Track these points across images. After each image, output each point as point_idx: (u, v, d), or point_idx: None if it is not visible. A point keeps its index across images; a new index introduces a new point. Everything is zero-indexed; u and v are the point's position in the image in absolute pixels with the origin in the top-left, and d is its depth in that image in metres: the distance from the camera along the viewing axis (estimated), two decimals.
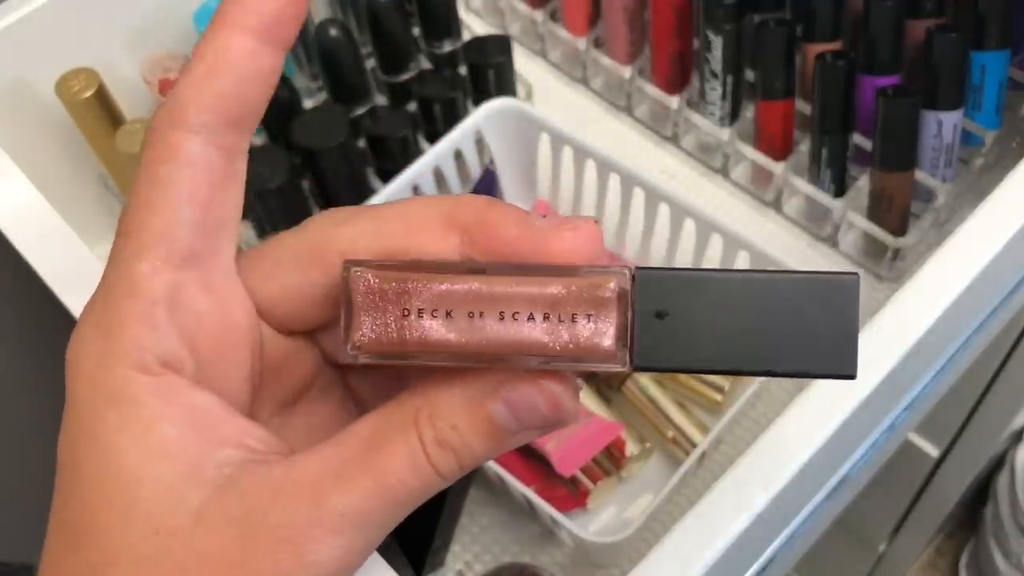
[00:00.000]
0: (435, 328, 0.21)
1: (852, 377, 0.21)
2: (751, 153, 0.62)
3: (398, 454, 0.21)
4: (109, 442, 0.21)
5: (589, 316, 0.21)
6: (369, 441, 0.22)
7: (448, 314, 0.21)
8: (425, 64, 0.63)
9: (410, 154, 0.59)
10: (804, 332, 0.21)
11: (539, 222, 0.22)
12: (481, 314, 0.21)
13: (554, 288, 0.21)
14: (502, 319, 0.21)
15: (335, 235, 0.23)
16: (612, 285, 0.21)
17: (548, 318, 0.21)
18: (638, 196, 0.56)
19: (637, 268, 0.21)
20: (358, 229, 0.23)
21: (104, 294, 0.22)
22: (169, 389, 0.22)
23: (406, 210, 0.23)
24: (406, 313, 0.21)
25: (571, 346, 0.21)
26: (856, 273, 0.21)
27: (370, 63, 0.63)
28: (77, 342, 0.22)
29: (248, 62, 0.22)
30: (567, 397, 0.22)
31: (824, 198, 0.59)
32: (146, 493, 0.21)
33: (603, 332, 0.21)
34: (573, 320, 0.21)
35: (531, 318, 0.21)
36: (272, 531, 0.21)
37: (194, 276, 0.23)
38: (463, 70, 0.63)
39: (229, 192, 0.23)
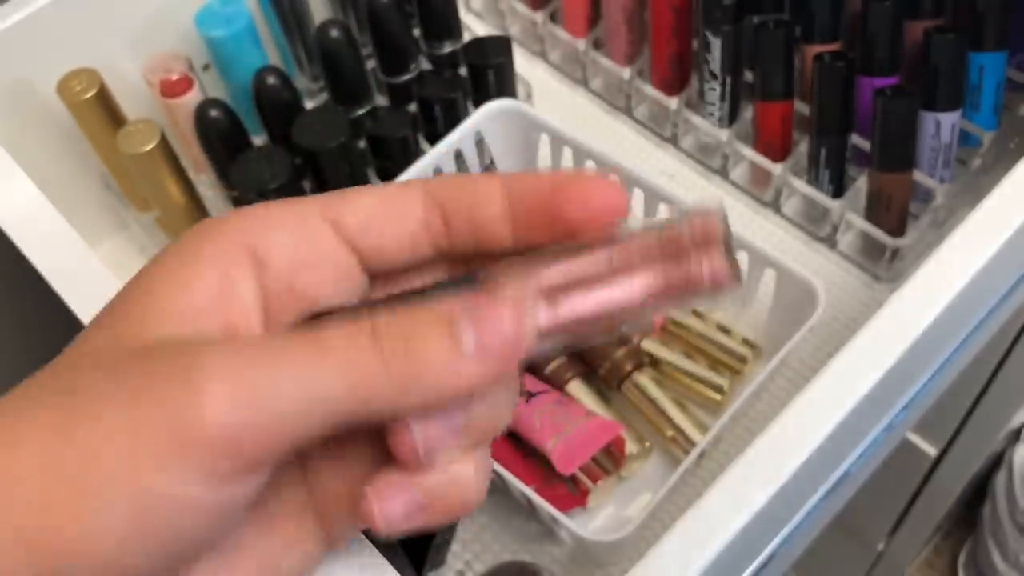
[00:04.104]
0: (579, 300, 0.23)
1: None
2: (750, 154, 0.62)
3: (342, 333, 0.22)
4: (150, 280, 0.23)
5: (701, 253, 0.23)
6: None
7: (586, 285, 0.23)
8: (425, 65, 0.64)
9: (410, 155, 0.59)
10: None
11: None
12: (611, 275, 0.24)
13: (656, 242, 0.23)
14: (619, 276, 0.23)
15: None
16: (717, 220, 0.23)
17: (664, 261, 0.23)
18: (637, 197, 0.56)
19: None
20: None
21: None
22: (231, 257, 0.24)
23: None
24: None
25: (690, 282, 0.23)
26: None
27: (370, 64, 0.64)
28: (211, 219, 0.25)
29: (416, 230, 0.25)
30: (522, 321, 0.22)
31: (823, 198, 0.60)
32: (145, 302, 0.23)
33: (719, 263, 0.23)
34: (687, 258, 0.23)
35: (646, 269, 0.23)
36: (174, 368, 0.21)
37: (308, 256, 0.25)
38: (463, 71, 0.63)
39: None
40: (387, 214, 0.25)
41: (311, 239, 0.24)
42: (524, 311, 0.22)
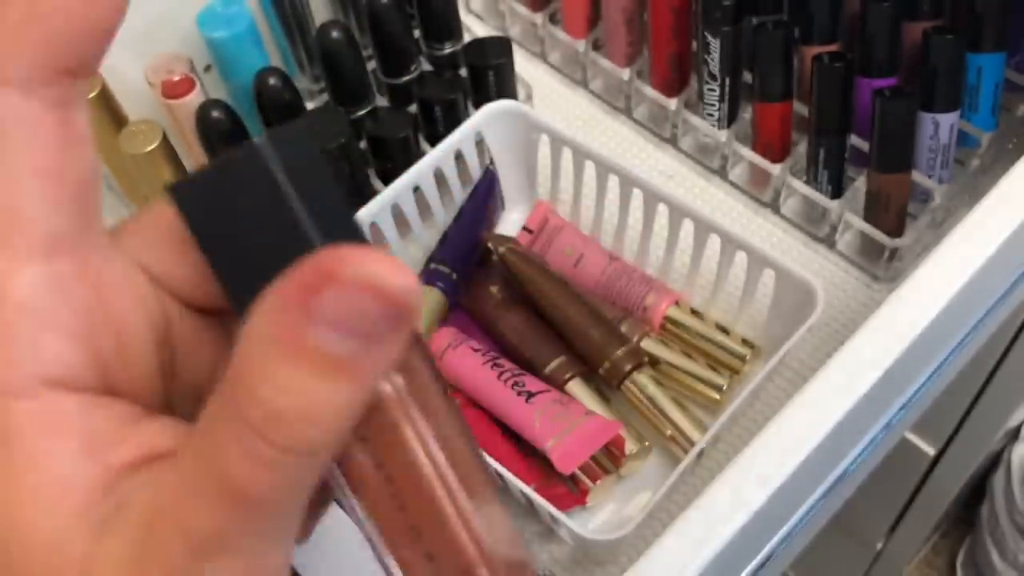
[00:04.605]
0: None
1: None
2: (749, 154, 0.62)
3: (230, 445, 0.17)
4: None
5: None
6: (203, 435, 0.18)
7: None
8: (426, 66, 0.64)
9: (411, 155, 0.60)
10: None
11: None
12: None
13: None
14: None
15: None
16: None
17: None
18: (637, 197, 0.57)
19: None
20: None
21: None
22: (53, 415, 0.18)
23: None
24: None
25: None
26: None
27: (371, 64, 0.64)
28: None
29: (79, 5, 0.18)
30: (400, 277, 0.16)
31: (821, 199, 0.60)
32: (31, 549, 0.18)
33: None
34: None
35: None
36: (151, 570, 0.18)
37: (67, 264, 0.18)
38: (464, 72, 0.63)
39: (77, 152, 0.18)
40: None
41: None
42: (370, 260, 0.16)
